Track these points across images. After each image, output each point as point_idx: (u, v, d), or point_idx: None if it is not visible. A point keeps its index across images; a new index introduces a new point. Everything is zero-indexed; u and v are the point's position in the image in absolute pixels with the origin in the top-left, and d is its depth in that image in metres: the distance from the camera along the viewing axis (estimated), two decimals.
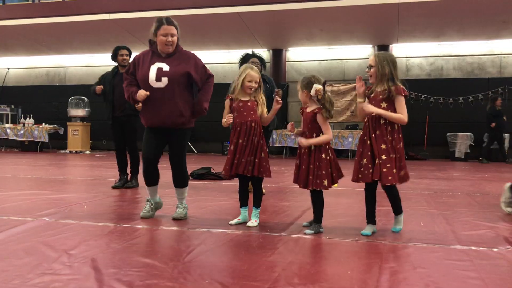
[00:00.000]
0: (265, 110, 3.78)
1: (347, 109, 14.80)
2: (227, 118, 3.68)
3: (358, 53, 15.01)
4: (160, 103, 3.74)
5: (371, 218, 3.45)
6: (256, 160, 3.61)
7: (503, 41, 13.73)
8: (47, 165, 9.57)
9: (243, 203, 3.78)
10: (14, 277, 2.28)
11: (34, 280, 2.25)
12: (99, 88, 5.92)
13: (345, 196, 5.38)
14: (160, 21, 3.81)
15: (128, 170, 6.05)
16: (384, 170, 3.28)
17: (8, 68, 17.99)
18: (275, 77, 15.15)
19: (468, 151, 13.10)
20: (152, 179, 3.99)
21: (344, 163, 11.35)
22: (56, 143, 15.90)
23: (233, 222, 3.70)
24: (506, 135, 12.95)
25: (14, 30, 13.93)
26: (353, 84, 14.71)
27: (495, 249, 2.95)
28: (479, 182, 7.19)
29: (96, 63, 16.55)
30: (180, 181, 4.03)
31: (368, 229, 3.38)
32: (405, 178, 3.44)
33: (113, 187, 5.85)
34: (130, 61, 4.01)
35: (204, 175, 7.10)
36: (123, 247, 2.91)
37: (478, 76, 14.04)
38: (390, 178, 3.28)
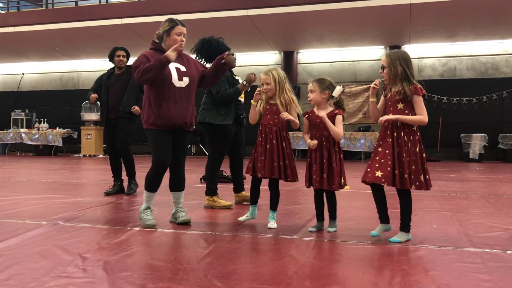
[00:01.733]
0: (294, 113, 3.81)
1: (359, 111, 14.75)
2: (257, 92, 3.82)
3: (370, 54, 14.96)
4: (180, 103, 3.75)
5: (382, 217, 3.38)
6: (281, 163, 3.68)
7: None
8: (61, 169, 9.68)
9: (254, 201, 3.85)
10: (30, 280, 2.32)
11: (50, 283, 2.28)
12: (93, 97, 5.64)
13: (357, 199, 5.37)
14: (174, 21, 3.83)
15: (122, 175, 5.79)
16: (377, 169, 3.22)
17: (23, 74, 18.26)
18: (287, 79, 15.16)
19: (483, 152, 12.97)
20: (159, 185, 3.87)
21: (357, 165, 11.36)
22: (70, 147, 16.09)
23: (241, 218, 3.81)
24: None
25: (28, 36, 14.14)
26: (365, 86, 14.67)
27: (508, 252, 2.92)
28: (494, 183, 7.12)
29: (109, 67, 16.71)
30: (182, 184, 3.97)
31: (377, 230, 3.33)
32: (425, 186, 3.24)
33: (106, 194, 5.56)
34: (141, 59, 3.78)
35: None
36: (136, 250, 2.94)
37: (492, 76, 13.90)
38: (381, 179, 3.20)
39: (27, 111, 16.76)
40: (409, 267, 2.60)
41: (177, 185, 3.93)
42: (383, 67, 3.30)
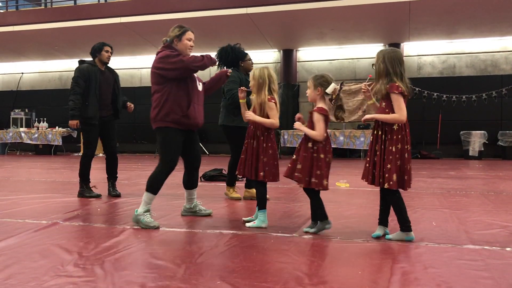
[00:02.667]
0: (270, 113, 3.70)
1: (358, 109, 14.74)
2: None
3: (369, 52, 14.94)
4: (199, 105, 3.97)
5: (381, 219, 3.35)
6: (253, 162, 3.68)
7: None
8: (61, 168, 9.68)
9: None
10: (30, 279, 2.33)
11: (49, 282, 2.29)
12: (72, 124, 5.29)
13: (357, 197, 5.37)
14: (184, 27, 4.00)
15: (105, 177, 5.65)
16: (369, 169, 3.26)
17: (22, 73, 18.25)
18: (286, 77, 15.16)
19: (482, 149, 12.98)
20: (161, 186, 3.85)
21: (356, 163, 11.36)
22: (70, 146, 16.09)
23: (246, 219, 3.85)
24: None
25: (27, 35, 14.13)
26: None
27: (508, 249, 2.93)
28: (493, 180, 7.12)
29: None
30: (196, 181, 4.20)
31: (378, 231, 3.32)
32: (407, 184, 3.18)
33: (116, 195, 5.41)
34: (171, 53, 3.82)
35: (216, 176, 7.13)
36: (136, 249, 2.95)
37: (491, 73, 13.90)
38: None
39: (26, 110, 16.76)
40: (408, 264, 2.60)
41: (193, 183, 4.14)
42: (373, 65, 3.30)
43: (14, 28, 13.87)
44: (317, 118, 3.36)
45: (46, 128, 15.48)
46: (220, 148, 15.31)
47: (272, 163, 3.67)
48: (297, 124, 3.52)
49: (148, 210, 3.72)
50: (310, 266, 2.57)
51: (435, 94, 13.62)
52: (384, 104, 3.20)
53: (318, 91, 3.41)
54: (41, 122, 15.74)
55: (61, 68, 17.81)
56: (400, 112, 3.09)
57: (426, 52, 14.43)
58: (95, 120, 5.35)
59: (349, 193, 5.69)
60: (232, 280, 2.31)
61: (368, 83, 3.38)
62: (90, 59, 5.74)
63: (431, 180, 7.15)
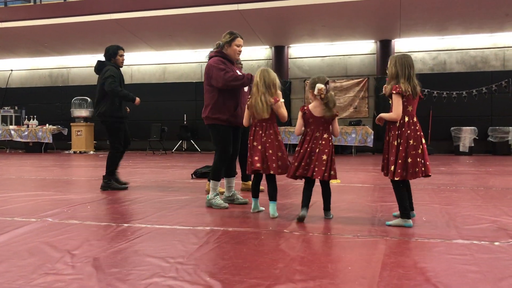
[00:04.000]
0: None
1: (350, 105, 14.80)
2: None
3: (361, 49, 14.98)
4: (243, 106, 4.43)
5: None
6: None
7: (507, 34, 13.68)
8: (51, 166, 9.62)
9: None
10: (18, 277, 2.31)
11: (37, 280, 2.27)
12: (138, 101, 5.79)
13: (347, 193, 5.39)
14: (235, 34, 4.53)
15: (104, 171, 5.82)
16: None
17: (11, 70, 18.08)
18: (278, 74, 15.05)
19: (472, 145, 13.07)
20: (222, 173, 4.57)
21: (348, 159, 11.40)
22: (60, 144, 15.99)
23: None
24: (510, 128, 12.91)
25: (16, 31, 13.99)
26: (356, 80, 14.71)
27: (496, 243, 2.95)
28: (483, 176, 7.18)
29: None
30: (235, 171, 4.75)
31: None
32: (411, 176, 3.47)
33: (124, 188, 5.71)
34: (215, 63, 4.35)
35: (207, 173, 7.10)
36: (126, 246, 2.93)
37: (482, 70, 13.99)
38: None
39: (16, 108, 16.62)
40: (398, 259, 2.61)
41: (232, 172, 4.66)
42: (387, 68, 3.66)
43: (3, 25, 13.73)
44: (299, 115, 3.88)
45: (36, 126, 15.37)
46: (212, 146, 15.28)
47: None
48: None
49: (217, 194, 4.41)
50: (300, 261, 2.58)
51: (426, 91, 13.67)
52: (390, 103, 3.57)
53: (311, 92, 3.80)
54: (31, 119, 15.62)
55: (51, 65, 17.67)
56: (395, 111, 3.44)
57: (417, 48, 14.49)
58: (125, 120, 5.83)
59: (340, 189, 5.71)
60: (221, 277, 2.31)
61: (386, 85, 3.68)
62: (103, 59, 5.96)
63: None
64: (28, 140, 15.20)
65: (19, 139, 15.30)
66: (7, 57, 17.57)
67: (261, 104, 3.93)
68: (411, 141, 3.42)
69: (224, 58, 4.44)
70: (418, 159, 3.45)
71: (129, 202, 4.73)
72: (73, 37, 14.56)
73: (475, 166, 9.17)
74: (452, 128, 13.29)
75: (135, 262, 2.57)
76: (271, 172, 3.91)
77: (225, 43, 4.48)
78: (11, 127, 15.52)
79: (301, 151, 3.76)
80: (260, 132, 3.97)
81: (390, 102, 3.58)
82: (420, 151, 3.46)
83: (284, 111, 3.99)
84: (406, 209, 3.45)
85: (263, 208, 4.19)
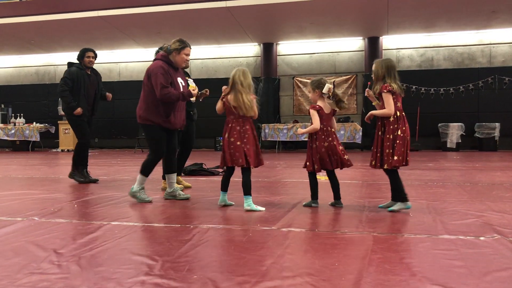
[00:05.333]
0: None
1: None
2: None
3: (349, 46, 15.03)
4: (182, 111, 4.71)
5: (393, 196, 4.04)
6: None
7: (493, 30, 13.81)
8: (38, 164, 9.53)
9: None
10: (2, 277, 2.28)
11: (22, 280, 2.25)
12: (79, 111, 6.06)
13: None
14: (185, 43, 4.65)
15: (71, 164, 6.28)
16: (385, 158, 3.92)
17: None
18: (266, 71, 15.15)
19: (460, 141, 13.20)
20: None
21: None
22: (48, 142, 15.85)
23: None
24: (497, 124, 13.05)
25: (2, 29, 13.83)
26: (345, 77, 14.76)
27: (481, 238, 2.98)
28: (470, 171, 7.25)
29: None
30: (175, 167, 4.85)
31: (393, 206, 3.96)
32: (398, 162, 3.85)
33: (94, 181, 6.19)
34: (157, 70, 4.49)
35: (196, 171, 7.10)
36: (113, 244, 2.91)
37: (468, 66, 14.12)
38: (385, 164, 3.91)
39: (2, 106, 16.43)
40: (384, 255, 2.63)
41: (173, 168, 4.76)
42: (372, 72, 4.04)
43: None
44: (312, 113, 4.16)
45: (23, 124, 15.22)
46: (200, 143, 15.25)
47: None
48: (299, 132, 4.47)
49: (142, 188, 4.55)
50: (287, 258, 2.58)
51: (414, 87, 13.78)
52: (380, 102, 3.97)
53: (316, 92, 4.16)
54: (18, 117, 15.45)
55: (38, 62, 17.49)
56: (388, 107, 3.85)
57: (404, 45, 14.58)
58: (84, 117, 6.14)
59: (328, 185, 5.71)
60: (209, 274, 2.30)
61: (368, 89, 4.11)
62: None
63: (409, 172, 7.23)
64: (15, 139, 15.05)
65: (5, 138, 15.13)
66: None
67: (248, 103, 4.07)
68: (404, 134, 3.84)
69: (168, 64, 4.57)
70: (402, 148, 3.86)
71: (116, 201, 4.70)
72: (60, 34, 14.42)
73: (462, 162, 9.26)
74: (439, 125, 13.40)
75: (121, 261, 2.56)
76: (252, 166, 4.08)
77: (174, 50, 4.58)
78: None
79: (325, 144, 4.12)
80: (238, 128, 4.10)
81: (377, 102, 4.03)
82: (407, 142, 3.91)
83: (257, 109, 4.20)
84: (404, 193, 3.91)
85: (233, 203, 4.30)
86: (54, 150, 14.94)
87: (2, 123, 15.93)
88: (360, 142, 13.01)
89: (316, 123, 4.10)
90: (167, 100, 4.44)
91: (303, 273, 2.31)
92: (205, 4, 11.96)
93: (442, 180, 6.11)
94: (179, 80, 4.65)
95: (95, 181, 6.19)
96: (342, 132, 12.79)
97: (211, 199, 4.72)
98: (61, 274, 2.33)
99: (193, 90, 4.81)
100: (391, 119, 3.86)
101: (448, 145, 13.24)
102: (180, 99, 4.52)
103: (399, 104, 3.91)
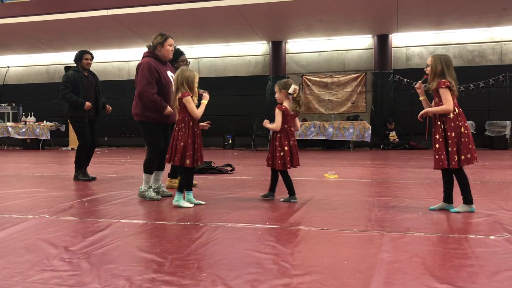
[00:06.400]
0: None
1: (347, 100, 14.79)
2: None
3: (358, 44, 14.98)
4: (171, 104, 4.63)
5: (445, 197, 3.95)
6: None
7: (503, 28, 13.69)
8: (49, 162, 9.61)
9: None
10: (15, 274, 2.31)
11: (34, 276, 2.28)
12: (88, 105, 6.22)
13: (345, 188, 5.40)
14: (166, 35, 4.74)
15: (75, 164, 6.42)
16: (437, 157, 3.81)
17: (8, 67, 18.04)
18: (275, 69, 15.14)
19: None
20: (155, 167, 4.82)
21: (345, 155, 11.42)
22: (58, 141, 15.98)
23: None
24: (508, 123, 12.94)
25: (12, 28, 13.96)
26: (354, 75, 14.71)
27: (492, 237, 2.96)
28: (480, 170, 7.20)
29: (96, 59, 16.53)
30: (163, 165, 4.96)
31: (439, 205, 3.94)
32: (467, 161, 3.72)
33: (90, 179, 6.30)
34: (146, 67, 4.56)
35: (205, 169, 7.12)
36: (123, 242, 2.94)
37: (479, 64, 14.01)
38: (440, 163, 3.78)
39: (13, 104, 16.59)
40: (393, 254, 2.62)
41: (162, 166, 4.91)
42: (427, 65, 3.90)
43: None
44: (276, 113, 4.35)
45: (34, 123, 15.35)
46: (209, 141, 15.28)
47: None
48: (266, 125, 4.53)
49: (150, 187, 4.65)
50: (296, 256, 2.59)
51: (424, 85, 13.68)
52: (437, 99, 3.83)
53: (283, 92, 4.36)
54: (29, 116, 15.59)
55: (48, 61, 17.63)
56: (447, 103, 3.72)
57: (414, 43, 14.50)
58: (85, 119, 6.28)
59: (338, 184, 5.72)
60: (218, 272, 2.31)
61: (420, 82, 4.06)
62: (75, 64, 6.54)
63: (419, 170, 7.20)
64: (26, 137, 15.19)
65: (16, 136, 15.28)
66: (4, 54, 17.53)
67: (176, 100, 4.21)
68: (468, 131, 3.77)
69: (156, 60, 4.68)
70: (470, 146, 3.75)
71: (126, 199, 4.73)
72: (70, 33, 14.52)
73: None
74: None
75: (131, 258, 2.58)
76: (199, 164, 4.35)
77: (158, 44, 4.70)
78: (8, 124, 15.49)
79: (290, 144, 4.36)
80: (184, 129, 4.21)
81: (424, 97, 4.03)
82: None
83: (191, 106, 4.16)
84: (470, 194, 3.79)
85: (202, 202, 4.35)
86: (64, 148, 15.06)
87: (13, 121, 16.08)
88: (369, 141, 12.96)
89: (277, 124, 4.31)
90: (145, 98, 4.54)
91: (312, 271, 2.32)
92: (214, 2, 11.97)
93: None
94: (169, 73, 4.76)
95: (93, 179, 6.33)
96: (351, 130, 12.75)
97: (220, 197, 4.73)
98: (72, 271, 2.36)
99: (169, 111, 4.73)
100: (451, 116, 3.75)
101: None
102: (156, 104, 4.57)
103: (455, 101, 3.80)
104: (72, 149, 14.46)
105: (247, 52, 15.77)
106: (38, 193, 5.13)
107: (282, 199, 4.44)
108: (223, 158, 9.71)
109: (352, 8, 11.94)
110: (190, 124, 4.20)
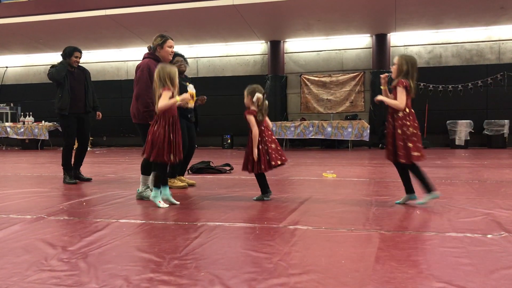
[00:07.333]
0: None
1: (346, 99, 14.81)
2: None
3: (356, 43, 14.98)
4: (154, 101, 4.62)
5: (406, 189, 4.17)
6: None
7: (501, 27, 13.71)
8: (47, 162, 9.61)
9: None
10: (12, 274, 2.31)
11: (32, 277, 2.28)
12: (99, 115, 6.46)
13: (343, 187, 5.41)
14: (165, 36, 4.79)
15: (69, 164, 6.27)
16: (386, 150, 4.13)
17: (7, 67, 18.02)
18: (273, 69, 15.15)
19: (468, 138, 13.12)
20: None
21: (344, 154, 11.41)
22: (57, 141, 15.96)
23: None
24: (506, 121, 12.96)
25: (10, 28, 13.94)
26: (352, 74, 14.72)
27: (489, 236, 2.97)
28: (478, 169, 7.21)
29: (94, 59, 16.55)
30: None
31: (402, 199, 4.17)
32: (418, 158, 3.95)
33: (75, 182, 6.08)
34: (145, 70, 4.65)
35: (204, 169, 7.12)
36: (121, 242, 2.94)
37: (477, 63, 14.02)
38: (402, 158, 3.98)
39: (11, 104, 16.57)
40: (391, 253, 2.63)
41: (151, 169, 4.72)
42: (393, 63, 4.13)
43: None
44: (248, 119, 4.43)
45: (32, 123, 15.33)
46: (207, 141, 15.29)
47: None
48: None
49: (148, 187, 4.66)
50: (294, 256, 2.59)
51: (422, 84, 13.70)
52: (393, 95, 4.09)
53: (249, 98, 4.48)
54: (27, 116, 15.58)
55: (46, 61, 17.59)
56: (400, 100, 3.95)
57: (412, 42, 14.51)
58: (66, 112, 6.05)
59: (336, 183, 5.73)
60: (216, 271, 2.32)
61: (386, 75, 4.25)
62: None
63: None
64: (24, 137, 15.17)
65: (15, 136, 15.27)
66: (2, 54, 17.51)
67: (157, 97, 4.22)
68: (417, 131, 3.98)
69: (156, 61, 4.72)
70: (418, 144, 3.98)
71: (124, 199, 4.74)
72: (68, 34, 14.50)
73: (470, 159, 9.21)
74: (447, 122, 13.33)
75: (129, 258, 2.58)
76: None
77: (157, 46, 4.78)
78: (7, 124, 15.48)
79: (270, 145, 4.44)
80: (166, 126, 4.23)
81: (385, 87, 4.18)
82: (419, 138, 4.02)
83: (161, 101, 4.14)
84: (428, 183, 3.99)
85: (177, 202, 4.34)
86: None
87: (11, 121, 16.06)
88: (367, 140, 12.97)
89: (254, 129, 4.38)
90: (140, 101, 4.60)
91: (310, 271, 2.32)
92: (212, 2, 11.97)
93: (450, 178, 6.08)
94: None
95: (87, 180, 6.26)
96: (349, 129, 12.76)
97: (219, 197, 4.74)
98: (70, 271, 2.36)
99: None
100: (401, 114, 3.96)
101: (457, 143, 13.17)
102: (146, 112, 4.60)
103: (408, 102, 4.01)
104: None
105: (245, 52, 15.77)
106: (37, 193, 5.13)
107: (254, 198, 4.53)
108: (221, 158, 9.71)
109: (351, 7, 11.94)
110: (169, 120, 4.20)
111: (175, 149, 4.22)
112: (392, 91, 4.09)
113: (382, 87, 4.26)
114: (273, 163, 4.38)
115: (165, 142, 4.16)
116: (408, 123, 3.95)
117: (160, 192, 4.31)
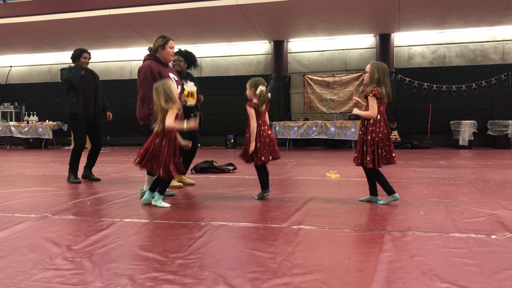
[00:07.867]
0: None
1: (349, 99, 14.78)
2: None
3: (360, 43, 14.97)
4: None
5: (370, 190, 4.35)
6: None
7: (506, 27, 13.67)
8: (51, 162, 9.64)
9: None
10: (18, 273, 2.33)
11: (37, 275, 2.29)
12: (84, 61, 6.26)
13: (346, 187, 5.41)
14: (166, 37, 4.79)
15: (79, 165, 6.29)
16: (355, 154, 4.30)
17: (11, 66, 18.09)
18: (277, 69, 15.15)
19: (472, 138, 13.09)
20: None
21: (347, 154, 11.41)
22: (60, 140, 16.02)
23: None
24: (510, 122, 12.92)
25: (15, 28, 13.99)
26: (356, 74, 14.70)
27: (493, 236, 2.97)
28: (482, 169, 7.19)
29: (98, 59, 16.58)
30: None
31: (365, 198, 4.37)
32: (388, 161, 4.18)
33: (95, 179, 6.24)
34: (146, 71, 4.63)
35: (207, 168, 7.14)
36: (125, 241, 2.95)
37: (481, 63, 13.98)
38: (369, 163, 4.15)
39: (16, 104, 16.63)
40: (395, 253, 2.63)
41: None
42: (366, 72, 4.27)
43: (1, 21, 13.73)
44: (249, 109, 4.49)
45: (36, 122, 15.38)
46: (211, 141, 15.30)
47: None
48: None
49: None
50: (298, 255, 2.60)
51: (425, 84, 13.68)
52: (365, 104, 4.25)
53: (252, 91, 4.53)
54: (31, 115, 15.63)
55: (50, 61, 17.67)
56: (371, 110, 4.12)
57: (416, 42, 14.48)
58: (80, 117, 6.11)
59: (339, 183, 5.73)
60: (220, 271, 2.32)
61: (354, 90, 4.24)
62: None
63: (420, 170, 7.20)
64: (28, 136, 15.23)
65: (19, 135, 15.32)
66: (7, 53, 17.57)
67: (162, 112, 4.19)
68: (381, 135, 4.10)
69: (157, 62, 4.73)
70: (385, 151, 4.14)
71: (128, 198, 4.75)
72: (72, 33, 14.54)
73: (474, 159, 9.19)
74: (451, 122, 13.29)
75: (133, 257, 2.59)
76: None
77: (159, 47, 4.77)
78: (11, 123, 15.53)
79: (267, 140, 4.51)
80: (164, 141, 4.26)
81: (366, 102, 4.26)
82: (387, 144, 4.14)
83: (169, 120, 4.13)
84: (388, 187, 4.17)
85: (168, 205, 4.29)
86: (67, 147, 15.09)
87: (15, 121, 16.12)
88: None
89: (253, 121, 4.46)
90: (145, 103, 4.60)
91: (314, 270, 2.32)
92: (216, 2, 11.98)
93: (453, 178, 6.08)
94: (171, 75, 4.76)
95: (97, 179, 6.27)
96: (353, 129, 12.74)
97: (222, 197, 4.75)
98: (75, 270, 2.37)
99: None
100: (371, 121, 4.12)
101: (460, 143, 13.14)
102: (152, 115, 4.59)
103: (382, 108, 4.15)
104: None
105: (249, 52, 15.78)
106: (41, 192, 5.15)
107: (255, 196, 4.61)
108: (225, 158, 9.71)
109: (354, 7, 11.93)
110: (169, 136, 4.18)
111: (167, 165, 4.14)
112: (366, 100, 4.24)
113: (363, 109, 4.32)
114: (263, 158, 4.48)
115: (159, 156, 4.13)
116: (377, 129, 4.10)
117: (163, 194, 4.34)
